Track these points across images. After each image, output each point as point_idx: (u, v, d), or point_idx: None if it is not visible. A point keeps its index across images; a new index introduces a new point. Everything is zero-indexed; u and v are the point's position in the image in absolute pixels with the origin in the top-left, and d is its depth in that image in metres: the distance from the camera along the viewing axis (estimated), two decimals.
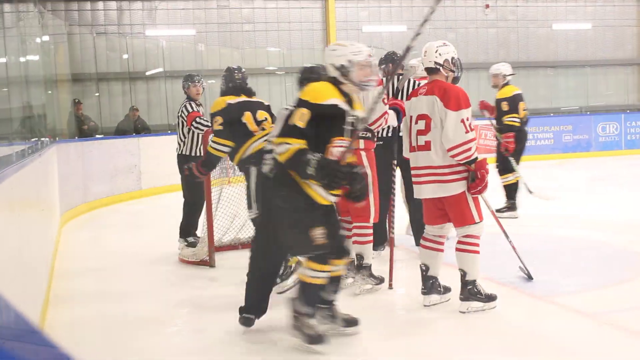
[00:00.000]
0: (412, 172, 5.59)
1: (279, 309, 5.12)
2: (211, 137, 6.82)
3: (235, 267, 7.35)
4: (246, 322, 5.15)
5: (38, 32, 10.86)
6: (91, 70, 18.55)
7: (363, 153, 6.06)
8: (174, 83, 19.42)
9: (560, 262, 6.88)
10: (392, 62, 7.61)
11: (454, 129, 5.24)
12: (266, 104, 7.09)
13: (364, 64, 4.77)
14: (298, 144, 4.46)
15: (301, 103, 4.64)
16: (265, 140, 6.34)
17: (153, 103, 19.13)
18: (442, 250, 5.62)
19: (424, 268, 5.60)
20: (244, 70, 7.41)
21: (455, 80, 5.62)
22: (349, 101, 4.76)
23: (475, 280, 5.40)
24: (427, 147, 5.39)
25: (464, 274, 5.40)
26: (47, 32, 12.90)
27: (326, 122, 4.59)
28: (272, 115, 6.95)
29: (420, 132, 5.46)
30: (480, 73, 22.23)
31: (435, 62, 5.54)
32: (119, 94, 19.01)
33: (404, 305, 5.98)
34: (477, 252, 5.42)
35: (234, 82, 7.22)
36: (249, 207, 6.76)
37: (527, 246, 7.15)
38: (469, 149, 5.26)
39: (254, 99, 7.08)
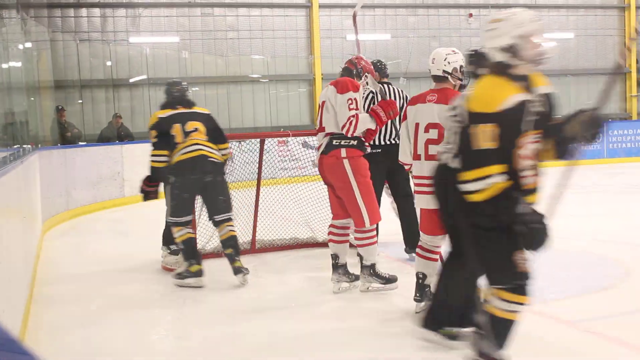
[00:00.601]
0: (416, 180, 5.51)
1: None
2: (150, 150, 7.22)
3: (218, 274, 7.34)
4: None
5: (21, 38, 10.83)
6: (74, 77, 18.48)
7: (346, 161, 6.05)
8: (158, 90, 19.37)
9: (541, 270, 6.89)
10: (378, 71, 8.04)
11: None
12: (205, 113, 7.33)
13: (534, 32, 4.08)
14: (497, 173, 3.84)
15: (476, 118, 3.85)
16: (195, 150, 6.89)
17: (136, 110, 19.08)
18: (437, 260, 5.57)
19: (420, 276, 5.57)
20: (184, 83, 7.67)
21: (462, 88, 5.57)
22: (527, 85, 3.97)
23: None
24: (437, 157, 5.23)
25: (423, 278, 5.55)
26: (29, 39, 12.86)
27: (514, 126, 3.88)
28: (213, 123, 7.25)
29: (432, 142, 5.34)
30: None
31: (444, 71, 5.52)
32: (102, 101, 18.94)
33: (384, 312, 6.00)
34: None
35: (171, 95, 7.53)
36: (173, 214, 7.05)
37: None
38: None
39: (195, 109, 7.35)
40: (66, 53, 18.59)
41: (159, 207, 8.77)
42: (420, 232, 5.67)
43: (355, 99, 6.03)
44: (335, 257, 6.36)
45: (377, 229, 6.39)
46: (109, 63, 19.14)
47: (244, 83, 20.42)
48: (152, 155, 7.19)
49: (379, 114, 6.10)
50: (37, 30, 15.36)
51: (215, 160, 7.00)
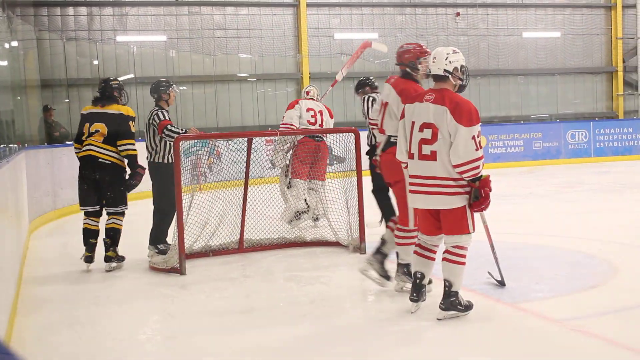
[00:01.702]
0: (417, 180, 5.41)
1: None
2: None
3: (206, 274, 7.34)
4: None
5: (6, 37, 10.78)
6: (61, 76, 18.42)
7: None
8: (145, 89, 19.32)
9: (530, 268, 6.91)
10: (369, 86, 8.76)
11: (465, 145, 5.19)
12: (114, 113, 7.87)
13: None
14: None
15: None
16: (86, 150, 7.64)
17: None
18: (434, 259, 5.57)
19: (419, 276, 5.53)
20: (111, 81, 8.21)
21: (462, 88, 5.57)
22: None
23: (458, 292, 5.36)
24: (432, 157, 5.27)
25: (449, 285, 5.34)
26: (16, 38, 12.81)
27: None
28: (116, 127, 7.76)
29: (425, 141, 5.33)
30: None
31: (445, 70, 5.45)
32: (89, 100, 18.79)
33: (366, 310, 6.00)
34: (464, 263, 5.39)
35: (97, 92, 8.13)
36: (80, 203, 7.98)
37: (500, 252, 7.19)
38: (477, 167, 5.21)
39: (107, 109, 7.87)
40: (53, 52, 18.53)
41: (146, 207, 8.76)
42: (419, 231, 5.67)
43: None
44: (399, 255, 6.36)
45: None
46: (96, 62, 19.08)
47: (231, 82, 20.40)
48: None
49: None
50: (23, 29, 15.31)
51: (105, 160, 7.68)
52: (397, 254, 6.29)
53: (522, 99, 23.46)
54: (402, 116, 5.63)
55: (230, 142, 9.34)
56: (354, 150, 8.29)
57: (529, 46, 23.36)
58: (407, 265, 6.16)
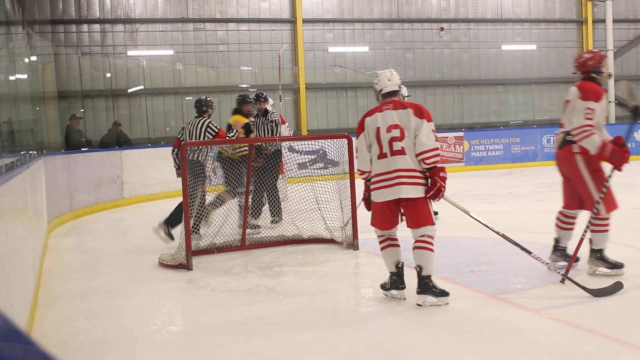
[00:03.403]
0: (381, 177, 5.58)
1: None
2: None
3: (211, 269, 7.33)
4: None
5: (26, 52, 10.77)
6: (76, 87, 18.42)
7: (578, 156, 6.26)
8: (154, 99, 19.36)
9: (509, 262, 6.91)
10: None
11: (428, 136, 5.48)
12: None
13: None
14: None
15: None
16: None
17: (134, 118, 19.04)
18: (433, 250, 5.58)
19: (400, 265, 5.73)
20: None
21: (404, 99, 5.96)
22: None
23: (430, 276, 5.50)
24: (403, 151, 5.51)
25: (420, 270, 5.50)
26: (35, 53, 12.80)
27: None
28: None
29: (395, 139, 5.55)
30: (435, 90, 22.42)
31: (399, 86, 5.89)
32: (103, 109, 18.89)
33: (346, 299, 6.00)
34: (433, 250, 5.53)
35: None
36: None
37: (482, 247, 7.21)
38: (438, 155, 5.51)
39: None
40: (69, 66, 18.53)
41: (158, 207, 8.75)
42: (377, 228, 5.81)
43: (593, 109, 6.12)
44: (557, 240, 6.68)
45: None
46: (108, 75, 19.09)
47: (233, 92, 20.35)
48: None
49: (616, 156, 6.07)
50: (41, 45, 15.30)
51: None
52: (591, 240, 6.39)
53: (502, 106, 23.51)
54: (362, 129, 5.81)
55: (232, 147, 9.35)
56: (346, 155, 8.29)
57: (507, 58, 23.40)
58: (601, 251, 6.35)
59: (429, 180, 5.50)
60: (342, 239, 8.27)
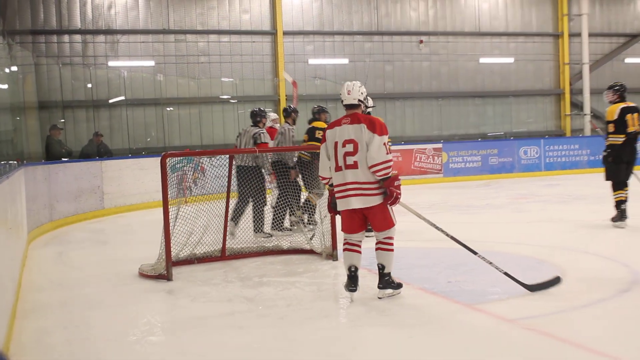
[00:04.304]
0: (338, 188, 6.05)
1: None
2: None
3: (191, 280, 7.32)
4: None
5: (7, 62, 10.72)
6: (57, 98, 18.32)
7: None
8: (135, 110, 19.31)
9: (486, 272, 6.93)
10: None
11: (378, 149, 5.85)
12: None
13: None
14: None
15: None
16: None
17: (115, 129, 18.96)
18: (361, 252, 6.18)
19: (353, 269, 6.10)
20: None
21: (365, 112, 6.36)
22: None
23: (390, 273, 6.11)
24: (355, 165, 5.92)
25: (382, 268, 6.09)
26: (15, 63, 12.73)
27: None
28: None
29: (348, 154, 5.96)
30: (414, 102, 22.52)
31: (359, 100, 6.16)
32: (83, 120, 18.80)
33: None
34: (393, 250, 6.12)
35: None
36: None
37: (459, 258, 7.24)
38: (388, 167, 5.87)
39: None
40: (50, 76, 18.43)
41: (137, 217, 8.72)
42: (344, 232, 6.22)
43: None
44: None
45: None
46: (89, 85, 19.01)
47: (214, 103, 20.40)
48: None
49: None
50: (22, 55, 15.22)
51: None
52: None
53: (480, 118, 23.65)
54: (324, 140, 6.22)
55: (213, 158, 9.34)
56: None
57: (485, 71, 23.56)
58: None
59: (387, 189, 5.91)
60: (322, 250, 8.28)
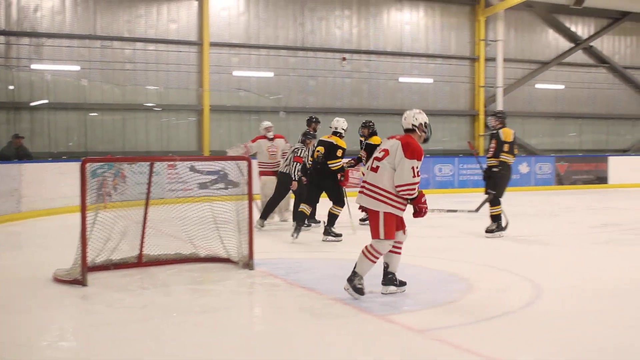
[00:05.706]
0: (362, 184, 6.58)
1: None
2: None
3: (106, 285, 7.17)
4: None
5: None
6: None
7: None
8: (57, 114, 18.85)
9: (407, 283, 7.02)
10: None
11: (404, 172, 6.32)
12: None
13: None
14: None
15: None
16: None
17: (36, 132, 18.44)
18: (399, 253, 6.63)
19: (385, 265, 6.59)
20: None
21: (426, 140, 6.84)
22: None
23: (394, 273, 6.58)
24: (375, 170, 6.48)
25: (387, 266, 6.59)
26: None
27: None
28: None
29: (377, 159, 6.55)
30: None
31: (413, 125, 6.75)
32: (3, 122, 18.24)
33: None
34: (400, 253, 6.61)
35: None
36: None
37: (374, 270, 7.29)
38: (413, 190, 6.36)
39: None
40: None
41: (56, 221, 8.51)
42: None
43: None
44: None
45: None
46: (11, 87, 18.48)
47: (138, 111, 20.10)
48: None
49: None
50: None
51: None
52: None
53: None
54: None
55: (134, 165, 9.20)
56: (247, 176, 8.27)
57: (404, 89, 23.90)
58: None
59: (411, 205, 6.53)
60: (239, 259, 8.23)
